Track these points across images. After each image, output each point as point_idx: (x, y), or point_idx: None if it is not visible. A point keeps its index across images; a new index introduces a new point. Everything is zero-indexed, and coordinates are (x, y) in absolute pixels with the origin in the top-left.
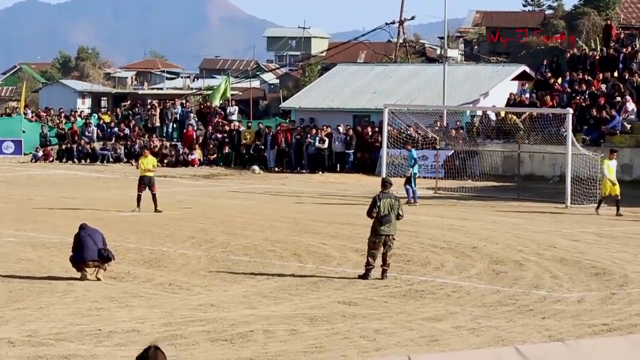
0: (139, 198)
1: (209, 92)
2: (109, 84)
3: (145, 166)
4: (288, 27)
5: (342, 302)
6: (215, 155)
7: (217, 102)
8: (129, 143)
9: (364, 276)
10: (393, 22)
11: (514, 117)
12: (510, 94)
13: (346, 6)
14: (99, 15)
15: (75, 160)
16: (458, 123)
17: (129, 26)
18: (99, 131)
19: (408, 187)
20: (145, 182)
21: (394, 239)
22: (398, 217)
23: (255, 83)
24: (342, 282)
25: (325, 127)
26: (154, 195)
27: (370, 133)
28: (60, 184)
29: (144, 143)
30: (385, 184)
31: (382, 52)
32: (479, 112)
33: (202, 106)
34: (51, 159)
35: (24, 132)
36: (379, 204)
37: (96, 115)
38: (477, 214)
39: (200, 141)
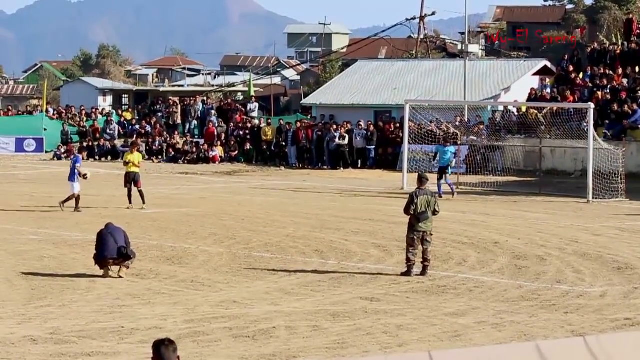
0: (129, 194)
1: (231, 89)
2: (130, 82)
3: (132, 161)
4: (309, 23)
5: (364, 298)
6: (236, 152)
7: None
8: (150, 140)
9: (407, 273)
10: (414, 18)
11: (536, 112)
12: (532, 89)
13: (367, 2)
14: (120, 13)
15: (97, 157)
16: (478, 119)
17: (149, 23)
18: (120, 128)
19: (441, 182)
20: (130, 178)
21: (431, 234)
22: (435, 213)
23: (276, 80)
24: (364, 278)
25: (345, 123)
26: (140, 192)
27: (391, 129)
28: (82, 181)
29: (134, 140)
30: (422, 180)
31: (403, 47)
32: (500, 108)
33: (223, 103)
34: (73, 156)
35: (45, 130)
36: (416, 201)
37: (114, 112)
38: (498, 209)
39: (222, 138)
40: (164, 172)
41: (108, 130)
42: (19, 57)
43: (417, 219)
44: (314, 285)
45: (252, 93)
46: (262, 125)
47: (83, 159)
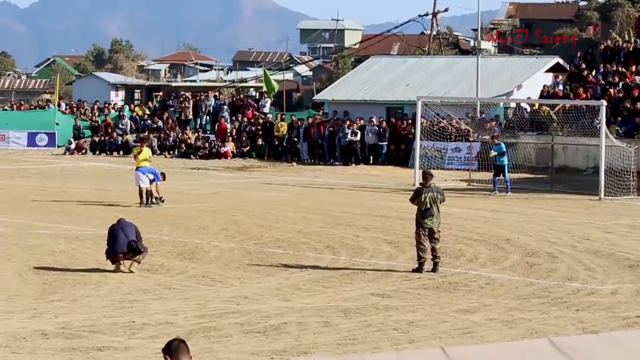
0: (140, 191)
1: (243, 84)
2: (142, 77)
3: (141, 158)
4: (321, 19)
5: (376, 294)
6: (248, 148)
7: (275, 91)
8: (162, 135)
9: (418, 270)
10: (426, 14)
11: (548, 109)
12: (544, 86)
13: None
14: (132, 8)
15: (109, 152)
16: (483, 115)
17: (162, 18)
18: (132, 123)
19: (498, 178)
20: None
21: (439, 231)
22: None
23: (289, 75)
24: (375, 274)
25: (358, 119)
26: (149, 192)
27: (403, 125)
28: (94, 176)
29: (143, 135)
30: (426, 176)
31: (416, 44)
32: (513, 104)
33: (235, 98)
34: (84, 151)
35: (57, 124)
36: (421, 196)
37: (127, 107)
38: (510, 206)
39: (233, 133)
40: (175, 167)
41: (120, 125)
42: (31, 52)
43: (421, 215)
44: (325, 281)
45: (274, 89)
46: (276, 120)
47: (95, 153)
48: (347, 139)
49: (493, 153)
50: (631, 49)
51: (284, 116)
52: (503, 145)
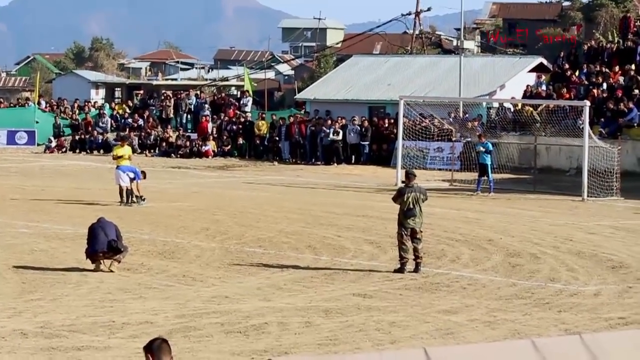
0: (120, 190)
1: (224, 83)
2: (123, 75)
3: (121, 155)
4: (303, 18)
5: (357, 294)
6: (229, 147)
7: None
8: (143, 134)
9: (400, 270)
10: (409, 14)
11: (531, 109)
12: (527, 86)
13: None
14: (114, 6)
15: (89, 151)
16: (467, 115)
17: (143, 17)
18: (112, 122)
19: (482, 178)
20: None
21: (421, 232)
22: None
23: (270, 74)
24: (356, 275)
25: (340, 119)
26: (130, 190)
27: (385, 125)
28: (74, 174)
29: (124, 133)
30: (409, 176)
31: (398, 43)
32: (496, 104)
33: (216, 97)
34: (64, 149)
35: (37, 122)
36: (404, 196)
37: (107, 105)
38: (493, 206)
39: (215, 132)
40: (156, 166)
41: (100, 124)
42: (11, 50)
43: (404, 215)
44: (306, 281)
45: (250, 89)
46: (257, 119)
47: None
48: (329, 139)
49: (481, 148)
50: (615, 49)
51: (264, 115)
52: (490, 144)
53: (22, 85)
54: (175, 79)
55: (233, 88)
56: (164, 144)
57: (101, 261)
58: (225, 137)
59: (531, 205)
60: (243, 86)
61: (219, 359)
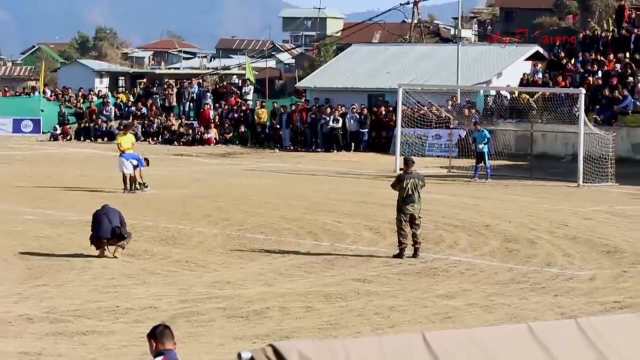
0: (124, 177)
1: (226, 71)
2: (126, 64)
3: (124, 145)
4: (304, 7)
5: (357, 279)
6: (231, 134)
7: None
8: (146, 122)
9: (399, 255)
10: (407, 3)
11: (527, 97)
12: (524, 74)
13: None
14: None
15: (93, 139)
16: (468, 102)
17: (146, 6)
18: (116, 110)
19: (479, 165)
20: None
21: (419, 217)
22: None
23: (271, 63)
24: (356, 260)
25: (340, 107)
26: (133, 177)
27: (384, 112)
28: (78, 162)
29: (127, 122)
30: (408, 163)
31: (397, 32)
32: (493, 92)
33: (218, 86)
34: (69, 137)
35: (42, 111)
36: (403, 183)
37: (111, 94)
38: (490, 192)
39: (217, 120)
40: (159, 153)
41: (104, 112)
42: (16, 39)
43: (403, 201)
44: (307, 267)
45: (251, 78)
46: (257, 107)
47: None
48: (328, 126)
49: (480, 146)
50: (610, 38)
51: (264, 103)
52: (486, 131)
53: (27, 75)
54: (178, 68)
55: (235, 77)
56: (166, 132)
57: (105, 247)
58: (227, 125)
59: (527, 191)
60: (244, 75)
61: (222, 343)
